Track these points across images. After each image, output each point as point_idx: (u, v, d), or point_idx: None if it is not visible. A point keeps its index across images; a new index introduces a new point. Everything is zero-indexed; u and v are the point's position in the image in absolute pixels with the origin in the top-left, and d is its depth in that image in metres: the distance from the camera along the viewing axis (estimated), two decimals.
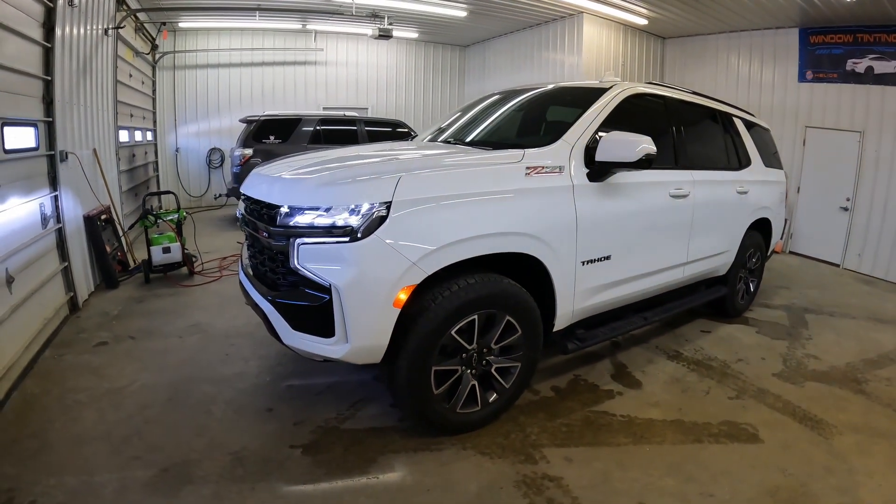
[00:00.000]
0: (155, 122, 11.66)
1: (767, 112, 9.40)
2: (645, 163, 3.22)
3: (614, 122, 3.63)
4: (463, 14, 10.33)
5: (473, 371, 3.10)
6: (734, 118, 5.35)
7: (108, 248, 6.03)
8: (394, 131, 10.82)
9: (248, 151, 9.44)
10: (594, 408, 3.63)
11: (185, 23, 11.37)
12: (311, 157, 3.53)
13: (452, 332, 2.86)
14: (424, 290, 2.78)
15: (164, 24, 11.06)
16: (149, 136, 11.07)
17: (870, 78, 8.23)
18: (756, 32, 9.58)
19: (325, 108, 12.83)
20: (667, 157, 4.17)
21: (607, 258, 3.55)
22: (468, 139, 4.14)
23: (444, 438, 3.14)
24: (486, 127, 4.26)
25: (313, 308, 2.68)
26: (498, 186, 2.97)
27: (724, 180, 4.82)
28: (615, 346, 4.71)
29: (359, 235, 2.58)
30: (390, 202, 2.63)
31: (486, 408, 3.22)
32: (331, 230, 2.62)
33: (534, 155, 3.21)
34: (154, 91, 11.61)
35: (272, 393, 3.67)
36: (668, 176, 4.07)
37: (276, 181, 3.05)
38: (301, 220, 2.71)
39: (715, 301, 5.21)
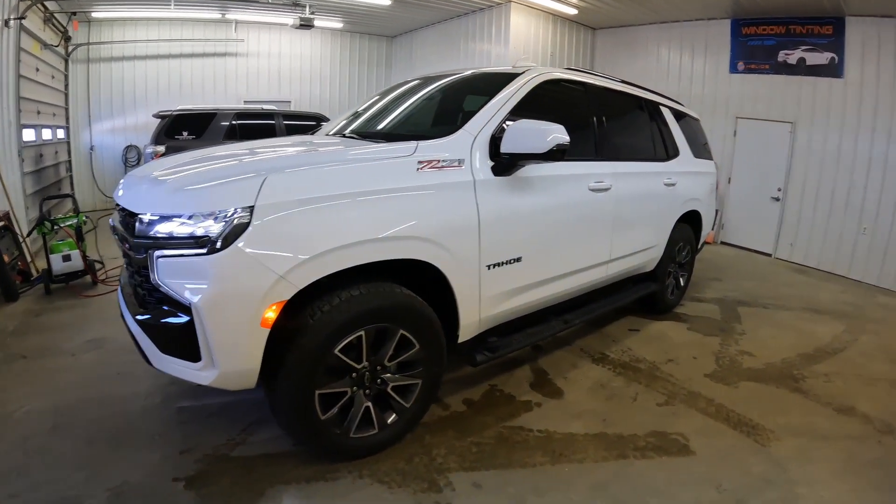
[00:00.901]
0: (67, 119, 10.80)
1: (698, 103, 9.31)
2: (557, 154, 2.88)
3: (526, 110, 3.30)
4: (387, 2, 9.94)
5: (367, 391, 2.74)
6: (661, 107, 5.13)
7: (6, 258, 5.45)
8: (317, 125, 10.31)
9: (161, 149, 8.82)
10: (509, 422, 3.30)
11: (99, 13, 10.55)
12: (185, 155, 3.10)
13: (336, 352, 2.51)
14: (302, 305, 2.44)
15: (74, 14, 10.24)
16: (60, 134, 10.26)
17: (802, 69, 8.23)
18: (687, 23, 9.51)
19: (245, 102, 12.24)
20: (587, 148, 3.89)
21: (518, 260, 3.20)
22: (367, 131, 3.75)
23: (342, 465, 2.78)
24: (389, 118, 3.88)
25: (177, 329, 2.30)
26: (385, 184, 2.60)
27: (650, 172, 4.59)
28: (536, 350, 4.40)
29: (217, 246, 2.19)
30: (253, 206, 2.24)
31: (386, 430, 2.86)
32: (188, 241, 2.24)
33: (428, 147, 2.84)
34: (66, 86, 10.76)
35: (161, 416, 3.26)
36: (588, 168, 3.76)
37: (139, 185, 2.66)
38: (160, 229, 2.31)
39: (644, 298, 4.97)
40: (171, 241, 2.27)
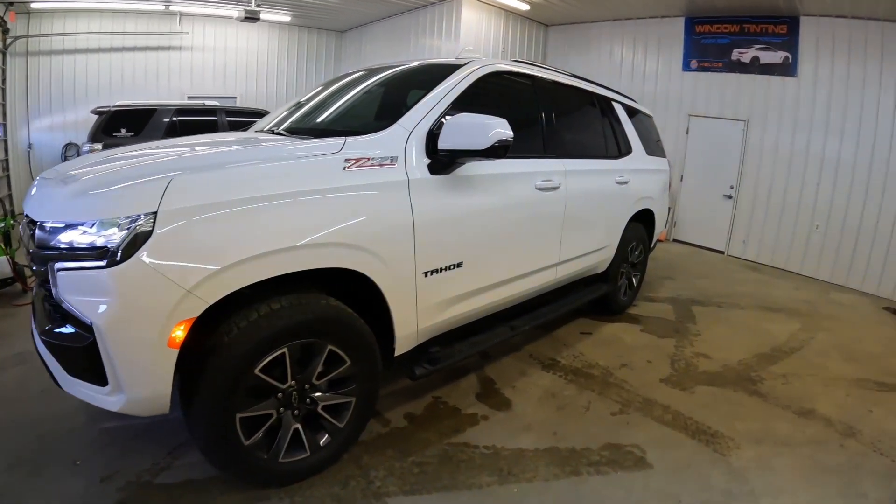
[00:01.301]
0: (4, 115, 10.19)
1: (651, 101, 9.28)
2: (499, 150, 2.62)
3: (469, 104, 3.05)
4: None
5: (296, 412, 2.46)
6: (613, 103, 4.95)
7: None
8: None
9: (98, 146, 8.37)
10: (454, 439, 3.05)
11: (38, 3, 10.04)
12: (98, 155, 2.76)
13: (257, 372, 2.22)
14: (217, 321, 2.17)
15: (11, 4, 9.73)
16: None
17: (755, 68, 8.22)
18: (641, 21, 9.45)
19: (189, 98, 11.72)
20: (534, 145, 3.67)
21: (458, 266, 2.94)
22: (300, 127, 3.44)
23: (272, 491, 2.50)
24: (325, 112, 3.56)
25: (80, 350, 2.01)
26: (306, 185, 2.31)
27: (601, 170, 4.40)
28: (484, 357, 4.16)
29: (117, 258, 1.90)
30: (156, 212, 1.94)
31: (318, 452, 2.58)
32: (89, 252, 1.95)
33: (357, 144, 2.58)
34: (3, 81, 10.16)
35: (84, 439, 2.91)
36: (535, 166, 3.53)
37: (43, 188, 2.35)
38: (61, 238, 2.02)
39: (596, 299, 4.78)
40: (72, 253, 1.98)
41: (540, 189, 3.50)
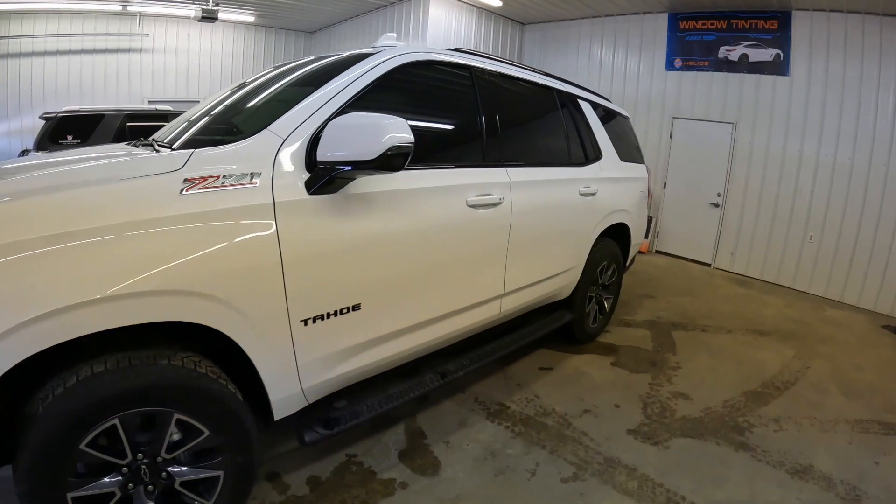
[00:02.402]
0: None
1: (632, 102, 8.71)
2: (395, 161, 1.98)
3: (377, 102, 2.43)
4: None
5: (151, 487, 1.85)
6: (581, 101, 4.32)
7: None
8: None
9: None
10: None
11: None
12: None
13: (84, 447, 1.67)
14: (34, 386, 1.73)
15: None
16: None
17: (744, 66, 7.62)
18: (621, 18, 8.86)
19: (150, 102, 11.17)
20: (470, 151, 3.04)
21: (355, 309, 2.28)
22: (176, 137, 2.63)
23: None
24: (206, 118, 2.80)
25: None
26: (131, 216, 1.68)
27: (561, 179, 3.71)
28: (421, 400, 3.48)
29: None
30: None
31: None
32: None
33: (207, 158, 1.96)
34: None
35: None
36: (468, 177, 2.87)
37: None
38: None
39: (559, 328, 4.14)
40: None
41: (474, 206, 2.83)
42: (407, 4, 9.28)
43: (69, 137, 8.14)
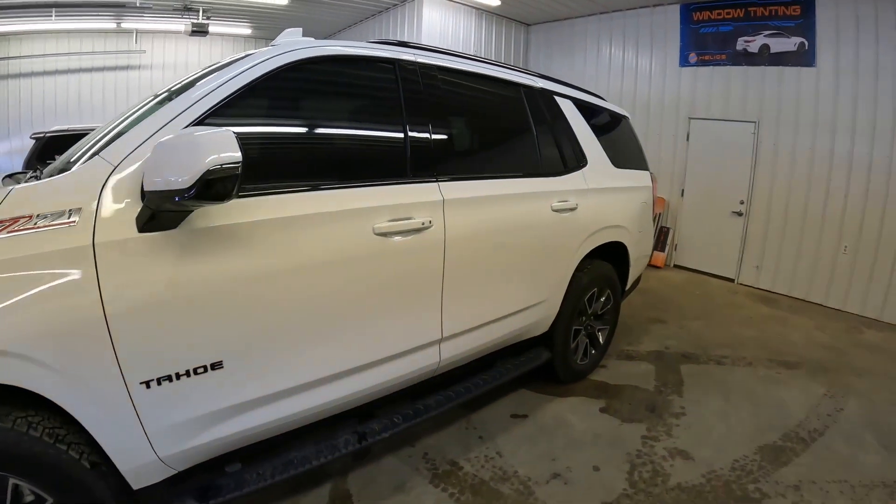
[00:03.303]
0: None
1: (644, 103, 8.04)
2: (219, 187, 1.56)
3: (253, 113, 2.09)
4: (284, 1, 8.71)
5: None
6: (559, 99, 3.70)
7: None
8: None
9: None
10: None
11: None
12: None
13: None
14: None
15: None
16: None
17: (765, 58, 6.85)
18: (630, 12, 8.17)
19: None
20: (386, 165, 2.49)
21: (215, 367, 1.84)
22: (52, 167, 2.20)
23: None
24: (89, 141, 2.25)
25: None
26: None
27: (522, 194, 3.09)
28: (357, 454, 2.90)
29: None
30: None
31: None
32: None
33: (23, 195, 1.68)
34: None
35: None
36: (377, 198, 2.29)
37: None
38: None
39: (539, 367, 3.52)
40: None
41: (385, 234, 2.25)
42: (402, 8, 8.79)
43: (57, 157, 7.86)
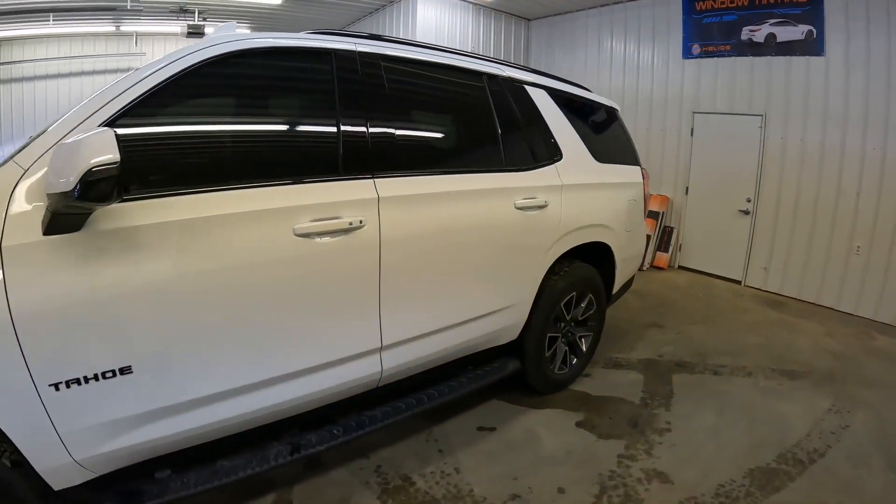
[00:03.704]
0: None
1: (647, 98, 7.70)
2: (98, 188, 1.49)
3: (172, 111, 1.99)
4: (278, 1, 8.56)
5: None
6: (528, 88, 3.42)
7: None
8: None
9: None
10: None
11: None
12: None
13: None
14: None
15: None
16: None
17: (772, 48, 6.47)
18: (631, 4, 7.84)
19: None
20: (314, 161, 2.32)
21: (124, 371, 1.80)
22: None
23: None
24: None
25: None
26: None
27: (477, 190, 2.82)
28: (310, 464, 2.66)
29: None
30: None
31: None
32: None
33: None
34: None
35: None
36: (299, 196, 2.14)
37: None
38: None
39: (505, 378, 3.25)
40: None
41: (306, 235, 2.10)
42: (397, 6, 8.59)
43: None
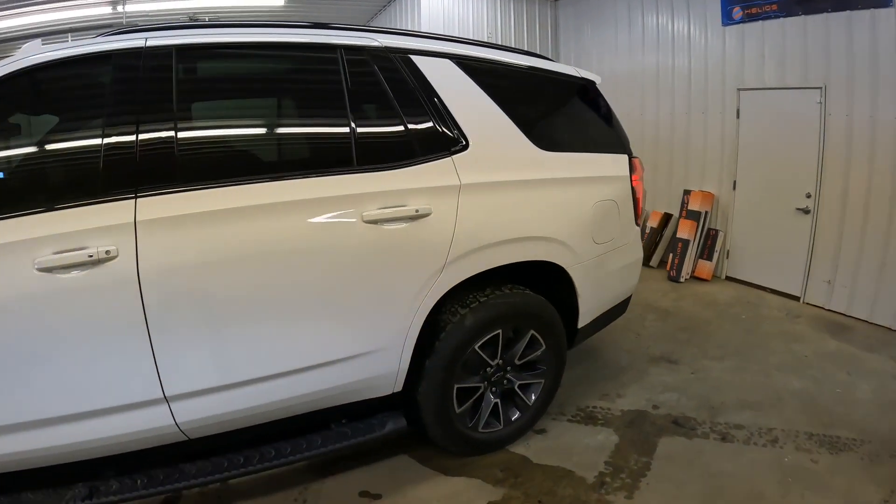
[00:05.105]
0: None
1: (684, 76, 6.48)
2: None
3: None
4: (280, 3, 8.27)
5: None
6: (416, 59, 2.54)
7: None
8: None
9: None
10: None
11: None
12: None
13: None
14: None
15: None
16: None
17: (828, 3, 5.13)
18: None
19: None
20: (67, 185, 2.01)
21: None
22: None
23: None
24: None
25: None
26: None
27: (294, 201, 2.14)
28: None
29: None
30: None
31: None
32: None
33: None
34: None
35: None
36: (38, 227, 1.83)
37: None
38: None
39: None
40: None
41: (49, 269, 1.80)
42: (401, 2, 8.11)
43: None
